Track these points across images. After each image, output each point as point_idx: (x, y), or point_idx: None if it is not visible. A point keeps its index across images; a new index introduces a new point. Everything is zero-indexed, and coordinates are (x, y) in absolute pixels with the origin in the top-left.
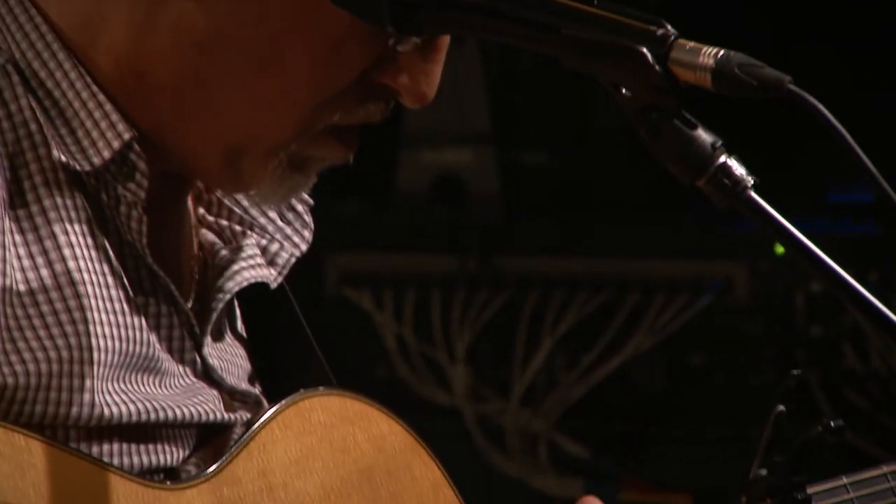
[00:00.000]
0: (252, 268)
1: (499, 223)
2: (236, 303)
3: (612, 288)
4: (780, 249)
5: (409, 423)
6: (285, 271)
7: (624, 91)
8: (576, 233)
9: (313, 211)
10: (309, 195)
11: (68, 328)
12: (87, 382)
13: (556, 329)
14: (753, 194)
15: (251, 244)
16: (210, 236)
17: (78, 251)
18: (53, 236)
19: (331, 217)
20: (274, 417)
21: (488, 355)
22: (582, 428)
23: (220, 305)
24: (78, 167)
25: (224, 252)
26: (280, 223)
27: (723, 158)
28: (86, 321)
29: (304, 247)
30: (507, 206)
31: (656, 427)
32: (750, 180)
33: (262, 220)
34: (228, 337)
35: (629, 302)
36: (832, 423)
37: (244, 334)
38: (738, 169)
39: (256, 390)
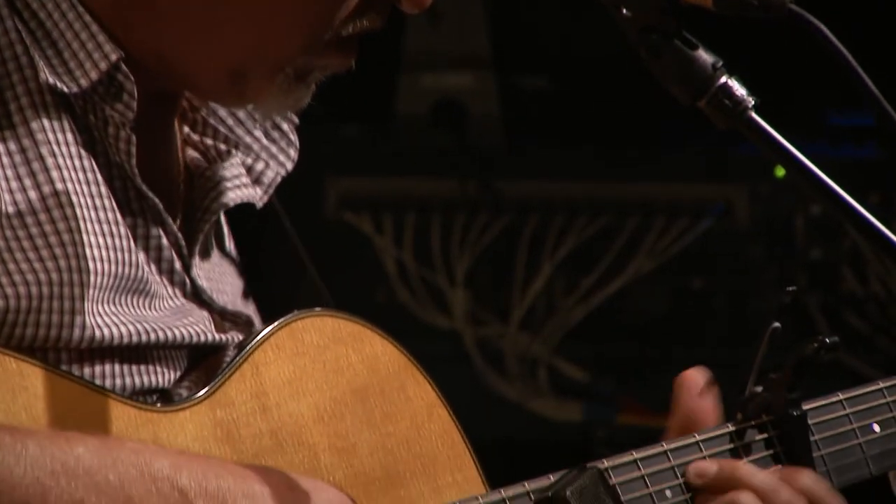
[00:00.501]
0: (237, 188)
1: (499, 147)
2: (224, 221)
3: (611, 212)
4: (780, 172)
5: (409, 347)
6: (271, 190)
7: (625, 11)
8: (575, 157)
9: (314, 136)
10: (308, 118)
11: (59, 250)
12: (80, 304)
13: (556, 253)
14: (754, 115)
15: (236, 163)
16: (195, 155)
17: (66, 173)
18: (41, 158)
19: (331, 141)
20: (266, 339)
21: (488, 279)
22: (581, 351)
23: (207, 227)
24: (65, 89)
25: (209, 172)
26: (265, 142)
27: (723, 79)
28: (77, 243)
29: (289, 165)
30: (507, 130)
31: (656, 350)
32: (751, 101)
33: (248, 139)
34: (216, 256)
35: (629, 226)
36: (827, 340)
37: (233, 253)
38: (739, 89)
39: (247, 310)
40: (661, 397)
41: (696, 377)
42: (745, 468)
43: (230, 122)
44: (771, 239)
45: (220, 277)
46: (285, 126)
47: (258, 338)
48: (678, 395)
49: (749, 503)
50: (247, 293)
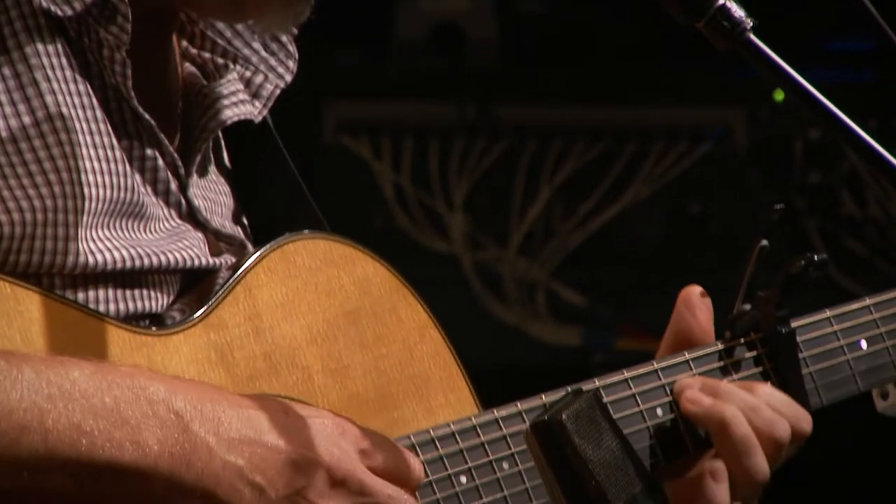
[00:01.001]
0: (235, 105)
1: (497, 71)
2: (221, 137)
3: (610, 136)
4: (779, 96)
5: (407, 272)
6: (270, 103)
7: None
8: (574, 81)
9: (312, 61)
10: (306, 43)
11: (54, 176)
12: (74, 231)
13: (555, 178)
14: (752, 36)
15: (233, 80)
16: (193, 71)
17: (61, 97)
18: (35, 83)
19: (329, 66)
20: (259, 261)
21: (486, 204)
22: (579, 276)
23: (204, 145)
24: (59, 12)
25: (206, 90)
26: (264, 54)
27: (722, 0)
28: (72, 169)
29: (288, 78)
30: (505, 54)
31: (654, 275)
32: (749, 22)
33: (246, 52)
34: (213, 173)
35: (627, 150)
36: (815, 257)
37: (230, 172)
38: (738, 11)
39: (241, 232)
40: (659, 322)
41: (693, 294)
42: (727, 386)
43: (228, 34)
44: (769, 163)
45: (216, 198)
46: (284, 38)
47: (250, 260)
48: (675, 311)
49: (735, 414)
50: (241, 214)
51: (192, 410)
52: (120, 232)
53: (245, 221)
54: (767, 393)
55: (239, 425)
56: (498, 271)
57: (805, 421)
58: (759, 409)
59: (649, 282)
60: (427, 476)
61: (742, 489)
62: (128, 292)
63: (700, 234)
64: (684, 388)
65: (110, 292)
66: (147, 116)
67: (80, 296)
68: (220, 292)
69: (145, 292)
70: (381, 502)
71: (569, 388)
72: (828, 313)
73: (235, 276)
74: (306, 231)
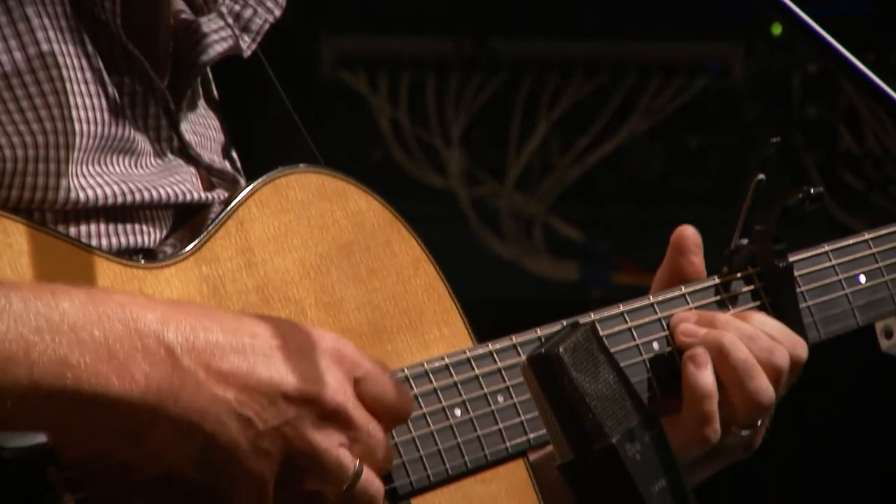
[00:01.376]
0: (224, 40)
1: (494, 4)
2: (210, 71)
3: (607, 71)
4: (777, 30)
5: (404, 207)
6: (259, 38)
7: None
8: (571, 15)
9: None
10: None
11: (45, 112)
12: (65, 167)
13: (552, 112)
14: None
15: (223, 13)
16: (182, 7)
17: (52, 34)
18: (26, 19)
19: (326, 0)
20: (251, 195)
21: (483, 138)
22: (577, 211)
23: (194, 81)
24: None
25: (195, 25)
26: None
27: None
28: (63, 105)
29: (277, 12)
30: None
31: (652, 210)
32: None
33: None
34: (203, 108)
35: (625, 85)
36: (812, 190)
37: (219, 103)
38: None
39: (233, 167)
40: (657, 257)
41: (685, 237)
42: (723, 316)
43: None
44: (767, 98)
45: (206, 132)
46: None
47: (243, 194)
48: (668, 254)
49: (732, 340)
50: (231, 149)
51: (183, 343)
52: (111, 167)
53: (235, 156)
54: (762, 321)
55: (231, 357)
56: (495, 206)
57: (801, 347)
58: (756, 338)
59: (647, 216)
60: (421, 408)
61: (746, 415)
62: (120, 227)
63: (698, 168)
64: (679, 322)
65: (102, 227)
66: (137, 52)
67: (72, 231)
68: (212, 226)
69: (137, 227)
70: (360, 438)
71: (564, 322)
72: (826, 248)
73: (227, 209)
74: (299, 165)
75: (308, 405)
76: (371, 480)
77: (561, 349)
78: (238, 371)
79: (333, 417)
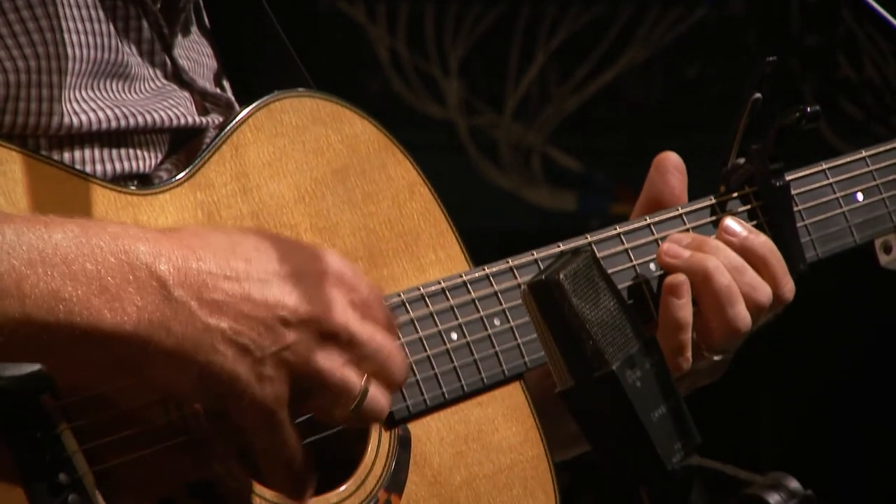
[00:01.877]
0: None
1: None
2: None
3: (605, 0)
4: None
5: (403, 137)
6: None
7: None
8: None
9: None
10: None
11: (38, 36)
12: (58, 92)
13: (550, 42)
14: None
15: None
16: None
17: None
18: None
19: None
20: (245, 120)
21: (482, 68)
22: (576, 141)
23: (188, 5)
24: None
25: None
26: None
27: None
28: (55, 30)
29: None
30: None
31: (651, 139)
32: None
33: None
34: (196, 34)
35: (623, 14)
36: (808, 109)
37: (209, 30)
38: None
39: (227, 92)
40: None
41: (666, 158)
42: (714, 242)
43: None
44: (766, 26)
45: (199, 58)
46: None
47: (237, 119)
48: (648, 176)
49: (717, 266)
50: (223, 76)
51: (175, 274)
52: (104, 92)
53: (226, 84)
54: (759, 243)
55: (225, 284)
56: (493, 136)
57: (788, 290)
58: (743, 271)
59: (646, 146)
60: (417, 333)
61: (721, 341)
62: (114, 152)
63: (697, 97)
64: (664, 243)
65: (96, 153)
66: None
67: (66, 157)
68: (207, 151)
69: (132, 152)
70: (369, 353)
71: (560, 245)
72: (823, 166)
73: (222, 134)
74: (294, 89)
75: (307, 327)
76: (377, 398)
77: (561, 276)
78: (231, 299)
79: (335, 337)
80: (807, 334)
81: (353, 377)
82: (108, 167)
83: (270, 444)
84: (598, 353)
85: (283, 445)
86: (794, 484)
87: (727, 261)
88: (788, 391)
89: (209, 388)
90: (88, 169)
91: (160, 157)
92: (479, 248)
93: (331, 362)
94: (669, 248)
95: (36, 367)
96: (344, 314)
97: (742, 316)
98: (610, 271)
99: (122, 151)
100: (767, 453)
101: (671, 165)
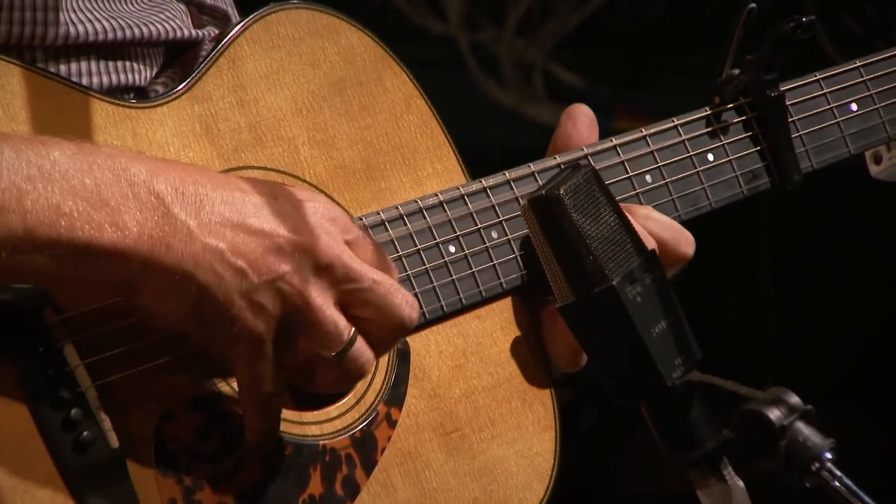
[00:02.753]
0: None
1: None
2: None
3: None
4: None
5: (403, 53)
6: None
7: None
8: None
9: None
10: None
11: None
12: (54, 1)
13: None
14: None
15: None
16: None
17: None
18: None
19: None
20: (242, 33)
21: None
22: (577, 57)
23: None
24: None
25: None
26: None
27: None
28: None
29: None
30: None
31: (653, 56)
32: None
33: None
34: None
35: None
36: (803, 19)
37: None
38: None
39: (224, 4)
40: (657, 102)
41: (575, 107)
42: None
43: None
44: None
45: None
46: None
47: (234, 31)
48: (559, 124)
49: None
50: None
51: (173, 192)
52: (101, 3)
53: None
54: (644, 214)
55: (222, 208)
56: (495, 53)
57: (686, 244)
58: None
59: (648, 62)
60: (416, 245)
61: None
62: (111, 64)
63: (699, 13)
64: None
65: (93, 65)
66: None
67: (63, 69)
68: (204, 64)
69: (128, 65)
70: (366, 287)
71: (557, 157)
72: (817, 76)
73: (219, 47)
74: (291, 1)
75: (302, 257)
76: (363, 350)
77: (562, 191)
78: (229, 222)
79: (330, 270)
80: (807, 250)
81: (343, 319)
82: (105, 79)
83: (251, 376)
84: (598, 269)
85: (263, 380)
86: (794, 399)
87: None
88: (789, 306)
89: (202, 312)
90: (85, 81)
91: (156, 69)
92: (480, 164)
93: (323, 299)
94: None
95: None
96: (339, 246)
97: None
98: (607, 183)
99: (119, 64)
100: (767, 369)
101: (579, 112)
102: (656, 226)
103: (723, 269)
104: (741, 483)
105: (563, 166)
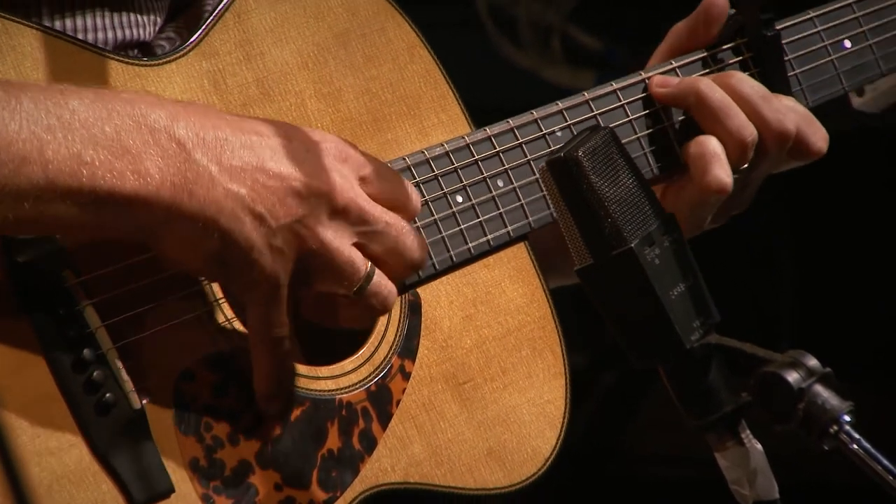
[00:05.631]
0: None
1: None
2: None
3: None
4: None
5: (419, 14)
6: None
7: None
8: None
9: None
10: None
11: None
12: None
13: None
14: None
15: None
16: None
17: None
18: None
19: None
20: None
21: None
22: (595, 19)
23: None
24: None
25: None
26: None
27: None
28: None
29: None
30: None
31: (672, 16)
32: None
33: None
34: None
35: None
36: None
37: None
38: None
39: None
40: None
41: (715, 5)
42: (705, 81)
43: None
44: None
45: None
46: None
47: None
48: (696, 13)
49: (708, 83)
50: None
51: (194, 138)
52: None
53: None
54: (789, 106)
55: (242, 152)
56: (513, 14)
57: (822, 139)
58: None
59: (666, 24)
60: (423, 196)
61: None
62: (115, 19)
63: None
64: (654, 77)
65: (98, 20)
66: None
67: (69, 24)
68: (210, 20)
69: (132, 18)
70: (380, 230)
71: (559, 103)
72: (811, 14)
73: (224, 2)
74: None
75: (319, 201)
76: (383, 282)
77: (580, 152)
78: (248, 166)
79: (345, 213)
80: (826, 211)
81: (359, 256)
82: (111, 35)
83: (264, 319)
84: (616, 231)
85: (274, 323)
86: (812, 362)
87: (720, 100)
88: (808, 269)
89: (224, 257)
90: (90, 38)
91: (160, 23)
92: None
93: (340, 240)
94: (658, 79)
95: (55, 244)
96: (353, 189)
97: (744, 124)
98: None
99: (124, 18)
100: (786, 332)
101: (717, 15)
102: (797, 116)
103: (741, 231)
104: (759, 446)
105: (565, 112)
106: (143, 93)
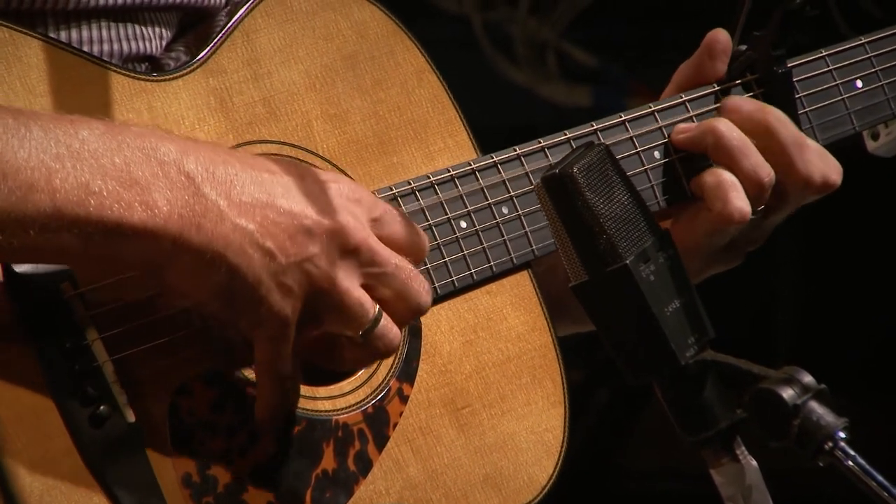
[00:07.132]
0: None
1: None
2: None
3: None
4: None
5: (417, 32)
6: None
7: None
8: None
9: None
10: None
11: None
12: None
13: None
14: None
15: None
16: None
17: None
18: None
19: None
20: (256, 5)
21: None
22: (591, 35)
23: None
24: None
25: None
26: None
27: None
28: None
29: None
30: None
31: (666, 33)
32: None
33: None
34: None
35: None
36: None
37: None
38: None
39: None
40: (668, 82)
41: (720, 36)
42: (724, 122)
43: None
44: None
45: None
46: None
47: (248, 4)
48: (700, 49)
49: (727, 124)
50: None
51: (203, 173)
52: None
53: None
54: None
55: (251, 189)
56: (508, 31)
57: (836, 172)
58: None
59: (661, 39)
60: (427, 221)
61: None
62: (122, 31)
63: None
64: (680, 127)
65: (104, 32)
66: None
67: (75, 36)
68: (219, 38)
69: (140, 31)
70: (389, 272)
71: (566, 133)
72: (823, 53)
73: (233, 20)
74: None
75: (330, 240)
76: (389, 325)
77: (575, 169)
78: (258, 202)
79: (356, 253)
80: (823, 228)
81: (368, 299)
82: (116, 47)
83: (273, 356)
84: (611, 248)
85: (283, 360)
86: (807, 378)
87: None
88: (804, 286)
89: (231, 292)
90: (96, 49)
91: (169, 38)
92: (494, 144)
93: (350, 280)
94: (681, 126)
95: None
96: (364, 230)
97: (761, 165)
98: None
99: (129, 30)
100: (782, 348)
101: (721, 45)
102: (824, 166)
103: None
104: (754, 462)
105: (573, 142)
106: (154, 127)
